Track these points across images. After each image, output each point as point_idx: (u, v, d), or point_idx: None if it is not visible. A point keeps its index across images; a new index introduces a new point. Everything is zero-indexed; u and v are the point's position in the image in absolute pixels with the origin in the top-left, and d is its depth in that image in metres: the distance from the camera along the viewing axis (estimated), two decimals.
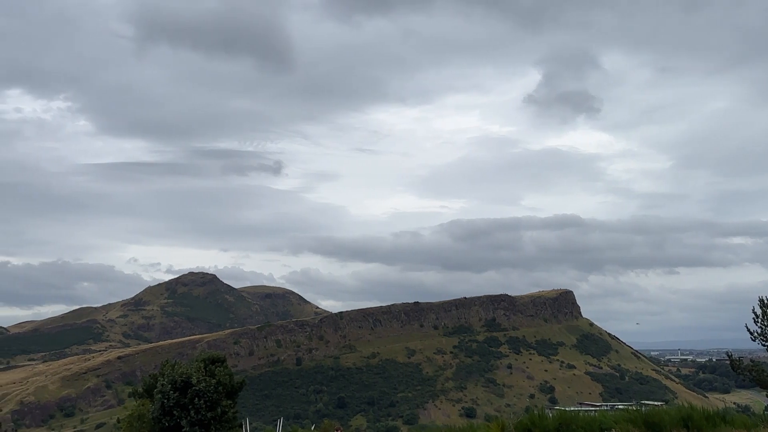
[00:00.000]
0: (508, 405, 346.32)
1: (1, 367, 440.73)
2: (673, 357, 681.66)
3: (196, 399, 55.41)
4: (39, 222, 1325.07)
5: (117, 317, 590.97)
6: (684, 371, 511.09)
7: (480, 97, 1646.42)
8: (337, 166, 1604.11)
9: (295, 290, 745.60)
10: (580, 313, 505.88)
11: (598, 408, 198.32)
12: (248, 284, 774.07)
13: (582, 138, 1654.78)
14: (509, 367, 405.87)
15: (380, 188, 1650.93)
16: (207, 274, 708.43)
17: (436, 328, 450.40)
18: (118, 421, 67.45)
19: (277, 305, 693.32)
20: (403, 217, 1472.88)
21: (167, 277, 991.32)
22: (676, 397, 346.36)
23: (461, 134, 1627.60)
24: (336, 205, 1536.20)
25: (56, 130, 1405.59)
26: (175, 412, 55.54)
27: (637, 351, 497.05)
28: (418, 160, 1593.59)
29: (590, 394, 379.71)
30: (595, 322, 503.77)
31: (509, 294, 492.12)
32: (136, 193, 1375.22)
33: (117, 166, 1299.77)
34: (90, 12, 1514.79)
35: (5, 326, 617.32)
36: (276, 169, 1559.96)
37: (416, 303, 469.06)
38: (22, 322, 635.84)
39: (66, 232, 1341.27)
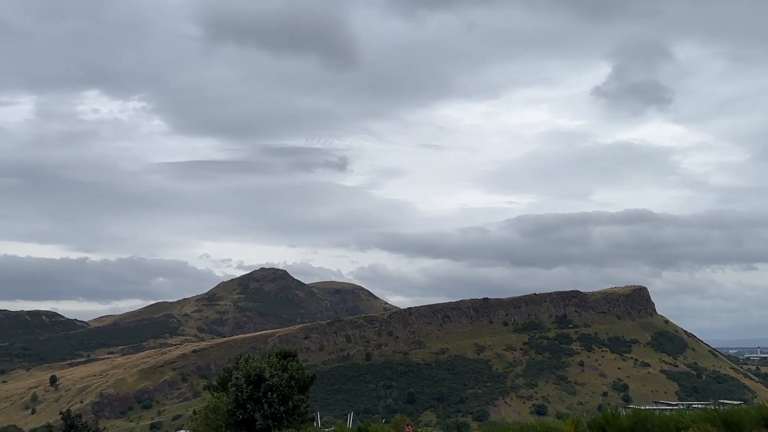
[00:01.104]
0: (580, 403, 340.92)
1: (82, 360, 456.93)
2: (752, 355, 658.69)
3: (270, 393, 55.64)
4: (115, 219, 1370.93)
5: (192, 312, 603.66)
6: (764, 370, 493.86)
7: (548, 90, 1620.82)
8: (404, 163, 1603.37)
9: (364, 286, 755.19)
10: (654, 310, 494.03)
11: (674, 407, 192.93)
12: (317, 280, 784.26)
13: (654, 131, 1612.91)
14: (581, 364, 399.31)
15: (447, 184, 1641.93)
16: (278, 270, 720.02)
17: (505, 324, 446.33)
18: (194, 413, 68.90)
19: (346, 301, 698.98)
20: (470, 213, 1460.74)
21: (238, 273, 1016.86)
22: (756, 397, 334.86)
23: (529, 129, 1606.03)
24: (403, 201, 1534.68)
25: (131, 130, 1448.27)
26: (248, 405, 55.85)
27: (714, 349, 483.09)
28: (486, 155, 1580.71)
29: (665, 393, 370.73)
30: (671, 320, 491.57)
31: (580, 290, 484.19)
32: (208, 190, 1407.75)
33: (189, 164, 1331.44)
34: (159, 13, 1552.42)
35: (86, 320, 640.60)
36: (341, 165, 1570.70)
37: (485, 299, 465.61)
38: (102, 316, 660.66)
39: (141, 229, 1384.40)
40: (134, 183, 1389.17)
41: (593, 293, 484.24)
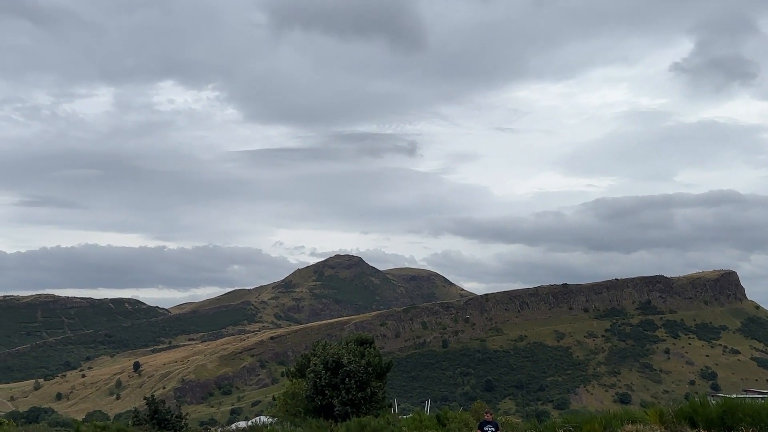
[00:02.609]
0: (666, 391, 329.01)
1: (164, 346, 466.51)
2: None
3: (347, 379, 56.54)
4: (191, 208, 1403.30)
5: (269, 299, 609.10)
6: None
7: (627, 69, 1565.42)
8: (477, 146, 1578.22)
9: (438, 272, 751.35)
10: (744, 295, 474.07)
11: (765, 396, 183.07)
12: (391, 267, 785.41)
13: (741, 108, 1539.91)
14: (666, 351, 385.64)
15: (522, 168, 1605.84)
16: (353, 256, 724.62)
17: (586, 311, 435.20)
18: (274, 399, 67.91)
19: (421, 287, 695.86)
20: (545, 197, 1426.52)
21: (312, 260, 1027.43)
22: None
23: (608, 109, 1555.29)
24: (476, 186, 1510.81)
25: (206, 119, 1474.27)
26: (327, 391, 56.65)
27: None
28: (562, 137, 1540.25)
29: (757, 381, 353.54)
30: (762, 305, 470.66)
31: (665, 275, 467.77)
32: (281, 178, 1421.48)
33: (262, 152, 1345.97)
34: (227, 2, 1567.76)
35: (167, 308, 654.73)
36: (410, 150, 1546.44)
37: (564, 285, 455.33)
38: (182, 303, 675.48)
39: (216, 217, 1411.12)
40: (209, 172, 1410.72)
41: (679, 278, 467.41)
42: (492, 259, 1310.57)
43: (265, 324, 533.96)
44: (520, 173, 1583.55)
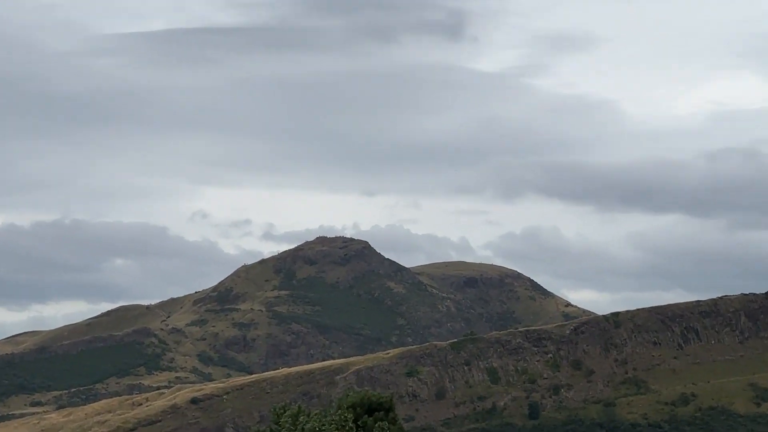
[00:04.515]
0: None
1: None
2: None
3: None
4: (31, 147, 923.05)
5: (186, 325, 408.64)
6: None
7: None
8: (592, 23, 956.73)
9: (518, 270, 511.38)
10: None
11: None
12: (425, 260, 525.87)
13: None
14: None
15: (683, 63, 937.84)
16: (351, 240, 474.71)
17: None
18: None
19: (486, 300, 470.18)
20: (732, 121, 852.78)
21: (269, 248, 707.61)
22: None
23: None
24: (593, 100, 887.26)
25: None
26: None
27: None
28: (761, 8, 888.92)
29: None
30: None
31: None
32: (207, 86, 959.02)
33: (171, 35, 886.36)
34: None
35: None
36: (454, 28, 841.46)
37: None
38: (17, 335, 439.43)
39: (81, 164, 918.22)
40: (65, 75, 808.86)
41: None
42: (623, 245, 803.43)
43: (181, 373, 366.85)
44: (680, 75, 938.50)
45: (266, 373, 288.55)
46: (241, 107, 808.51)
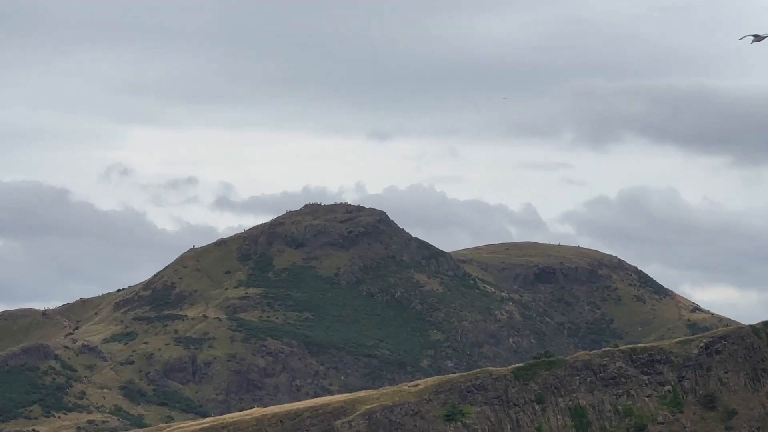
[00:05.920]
0: None
1: None
2: None
3: None
4: None
5: (104, 340, 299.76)
6: None
7: None
8: None
9: (617, 255, 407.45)
10: None
11: None
12: (470, 242, 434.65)
13: None
14: None
15: None
16: (356, 208, 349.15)
17: None
18: None
19: (571, 302, 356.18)
20: None
21: (228, 223, 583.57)
22: None
23: None
24: None
25: None
26: None
27: None
28: None
29: None
30: None
31: None
32: None
33: None
34: None
35: None
36: None
37: None
38: None
39: None
40: None
41: None
42: None
43: (97, 415, 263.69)
44: None
45: (228, 415, 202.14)
46: (181, 5, 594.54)
